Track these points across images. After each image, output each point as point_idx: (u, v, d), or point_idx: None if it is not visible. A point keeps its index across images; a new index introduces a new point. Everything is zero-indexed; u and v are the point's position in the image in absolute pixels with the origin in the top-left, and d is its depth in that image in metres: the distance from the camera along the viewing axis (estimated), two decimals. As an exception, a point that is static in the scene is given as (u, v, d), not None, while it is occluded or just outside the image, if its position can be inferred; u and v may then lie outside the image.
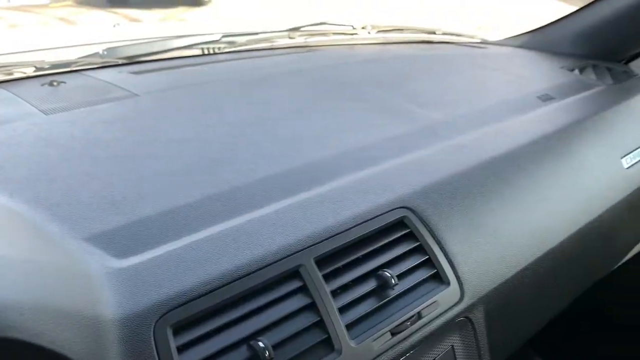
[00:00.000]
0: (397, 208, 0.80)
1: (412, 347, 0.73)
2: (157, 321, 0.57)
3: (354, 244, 0.74)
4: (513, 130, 1.07)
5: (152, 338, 0.56)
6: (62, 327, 0.51)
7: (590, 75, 1.47)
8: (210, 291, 0.61)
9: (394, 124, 1.03)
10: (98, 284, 0.58)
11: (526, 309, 0.98)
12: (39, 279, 0.56)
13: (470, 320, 0.81)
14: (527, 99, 1.23)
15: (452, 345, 0.80)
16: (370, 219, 0.77)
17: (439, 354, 0.78)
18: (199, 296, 0.60)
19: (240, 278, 0.63)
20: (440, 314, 0.77)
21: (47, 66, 1.19)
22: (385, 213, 0.78)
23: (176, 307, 0.58)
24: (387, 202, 0.80)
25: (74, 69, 1.22)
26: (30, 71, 1.19)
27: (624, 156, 1.18)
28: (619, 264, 1.40)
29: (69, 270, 0.59)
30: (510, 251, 0.89)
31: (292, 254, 0.68)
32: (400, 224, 0.80)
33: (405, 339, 0.72)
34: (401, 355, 0.72)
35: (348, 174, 0.84)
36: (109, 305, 0.56)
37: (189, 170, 0.80)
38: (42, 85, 1.10)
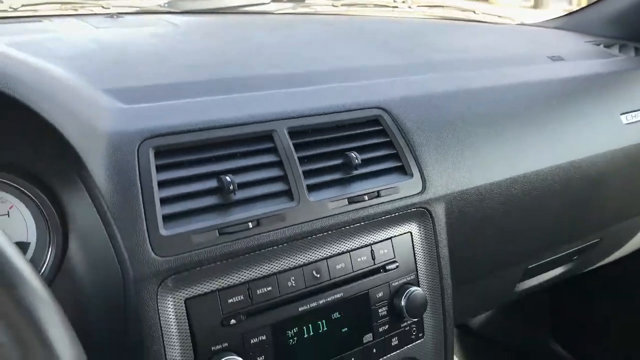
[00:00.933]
0: (375, 107, 0.91)
1: (367, 218, 0.83)
2: (142, 141, 0.71)
3: (327, 128, 0.86)
4: (510, 74, 1.15)
5: (136, 152, 0.70)
6: (63, 113, 0.66)
7: (614, 51, 1.51)
8: (192, 131, 0.74)
9: (398, 58, 1.14)
10: (102, 108, 0.73)
11: (495, 227, 1.03)
12: (57, 90, 0.71)
13: (429, 212, 0.90)
14: (537, 57, 1.30)
15: (411, 232, 0.89)
16: (347, 111, 0.88)
17: (396, 235, 0.87)
18: (181, 132, 0.74)
19: (219, 128, 0.77)
20: (400, 199, 0.86)
21: (111, 7, 1.39)
22: (362, 109, 0.90)
23: (160, 136, 0.72)
24: (366, 102, 0.91)
25: (134, 11, 1.41)
26: (96, 10, 1.40)
27: (625, 113, 1.22)
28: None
29: (82, 96, 0.74)
30: (482, 164, 0.97)
31: (268, 121, 0.81)
32: (375, 121, 0.90)
33: (361, 209, 0.82)
34: (356, 222, 0.82)
35: (338, 82, 0.96)
36: (107, 120, 0.71)
37: (201, 64, 0.95)
38: (104, 17, 1.29)
